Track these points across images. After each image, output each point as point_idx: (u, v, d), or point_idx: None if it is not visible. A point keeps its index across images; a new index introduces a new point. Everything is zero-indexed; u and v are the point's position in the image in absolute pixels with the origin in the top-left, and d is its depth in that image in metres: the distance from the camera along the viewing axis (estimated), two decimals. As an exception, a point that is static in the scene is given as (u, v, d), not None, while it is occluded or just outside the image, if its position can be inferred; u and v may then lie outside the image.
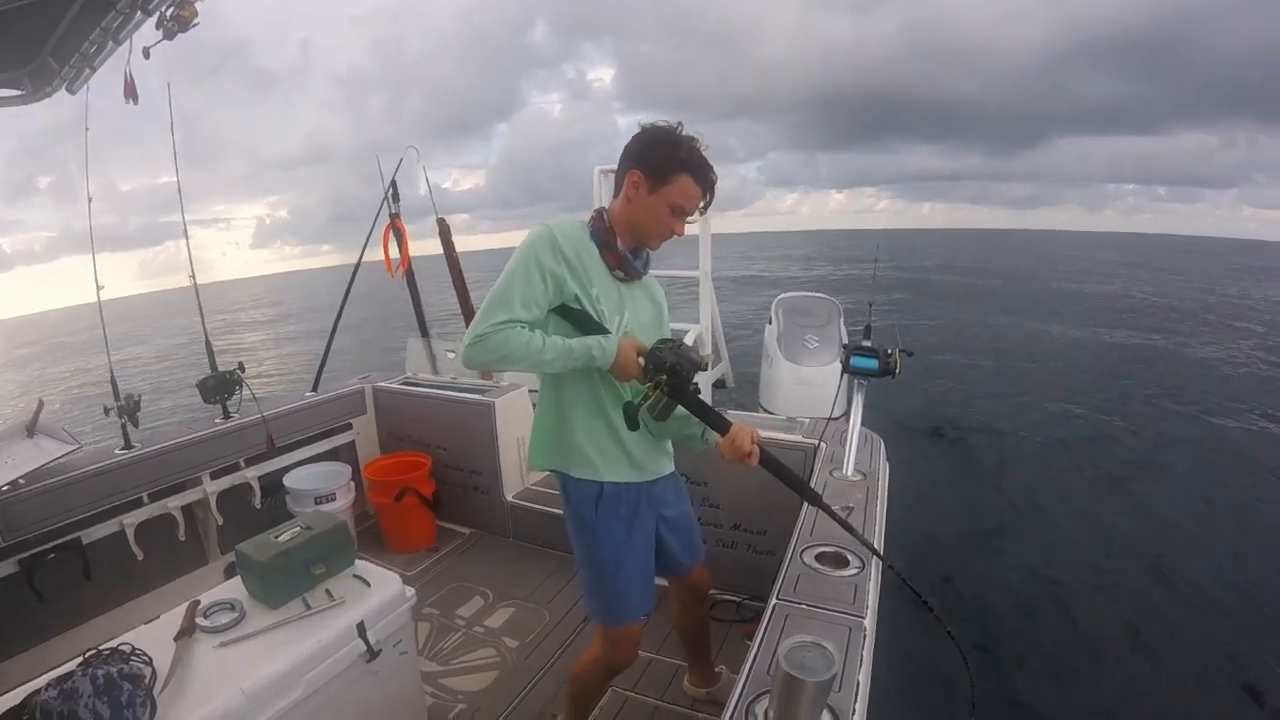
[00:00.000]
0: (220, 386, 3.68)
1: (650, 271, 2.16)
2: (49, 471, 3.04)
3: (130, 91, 3.06)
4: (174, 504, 3.52)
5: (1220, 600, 5.50)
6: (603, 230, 1.97)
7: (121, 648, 1.79)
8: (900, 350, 2.57)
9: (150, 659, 1.77)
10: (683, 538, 2.38)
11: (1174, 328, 19.94)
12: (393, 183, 4.59)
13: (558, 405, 2.08)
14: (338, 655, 2.02)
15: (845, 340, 3.94)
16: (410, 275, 4.84)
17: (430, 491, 4.13)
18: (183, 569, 3.61)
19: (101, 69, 3.03)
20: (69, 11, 2.65)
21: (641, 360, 1.91)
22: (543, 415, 2.13)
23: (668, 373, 1.85)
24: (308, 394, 4.25)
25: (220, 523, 3.68)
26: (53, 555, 3.10)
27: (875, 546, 2.01)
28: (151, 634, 1.92)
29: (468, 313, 4.78)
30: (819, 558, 2.04)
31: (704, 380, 5.10)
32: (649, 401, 1.88)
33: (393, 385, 4.45)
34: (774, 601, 1.81)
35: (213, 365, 3.74)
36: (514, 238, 1.94)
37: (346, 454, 4.34)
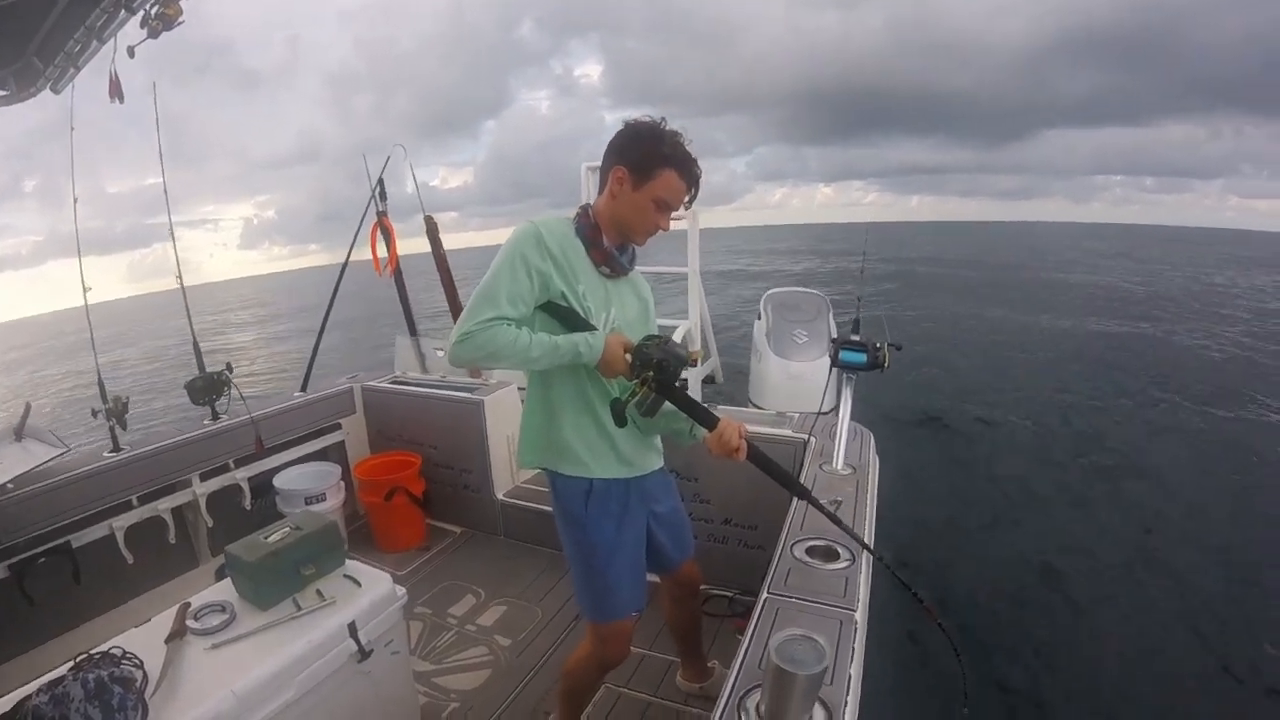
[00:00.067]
0: (208, 388, 3.67)
1: (638, 268, 2.16)
2: (38, 475, 3.02)
3: (115, 90, 3.04)
4: (164, 506, 3.50)
5: (1210, 587, 5.54)
6: (588, 227, 1.97)
7: (112, 651, 1.79)
8: (889, 344, 2.57)
9: (141, 662, 1.77)
10: (673, 533, 2.38)
11: (1161, 316, 20.12)
12: (380, 181, 4.57)
13: (545, 402, 2.07)
14: (329, 656, 2.01)
15: (834, 335, 3.96)
16: (398, 274, 4.83)
17: (420, 490, 4.12)
18: (173, 571, 3.59)
19: (86, 68, 3.01)
20: (54, 10, 2.63)
21: (628, 356, 1.91)
22: (530, 413, 2.12)
23: (655, 369, 1.86)
24: (296, 394, 4.24)
25: (210, 524, 3.66)
26: (43, 559, 3.07)
27: (865, 540, 2.02)
28: (142, 637, 1.92)
29: (456, 310, 4.77)
30: (809, 551, 2.04)
31: (694, 376, 5.11)
32: (636, 398, 1.88)
33: (382, 384, 4.44)
34: (764, 595, 1.82)
35: (201, 366, 3.73)
36: (502, 235, 1.94)
37: (336, 454, 4.32)
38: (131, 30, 2.77)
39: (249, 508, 3.83)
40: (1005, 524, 6.70)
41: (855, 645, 1.62)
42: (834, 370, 2.66)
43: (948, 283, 29.84)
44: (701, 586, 2.67)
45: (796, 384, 5.16)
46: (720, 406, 2.70)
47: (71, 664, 1.70)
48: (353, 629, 2.07)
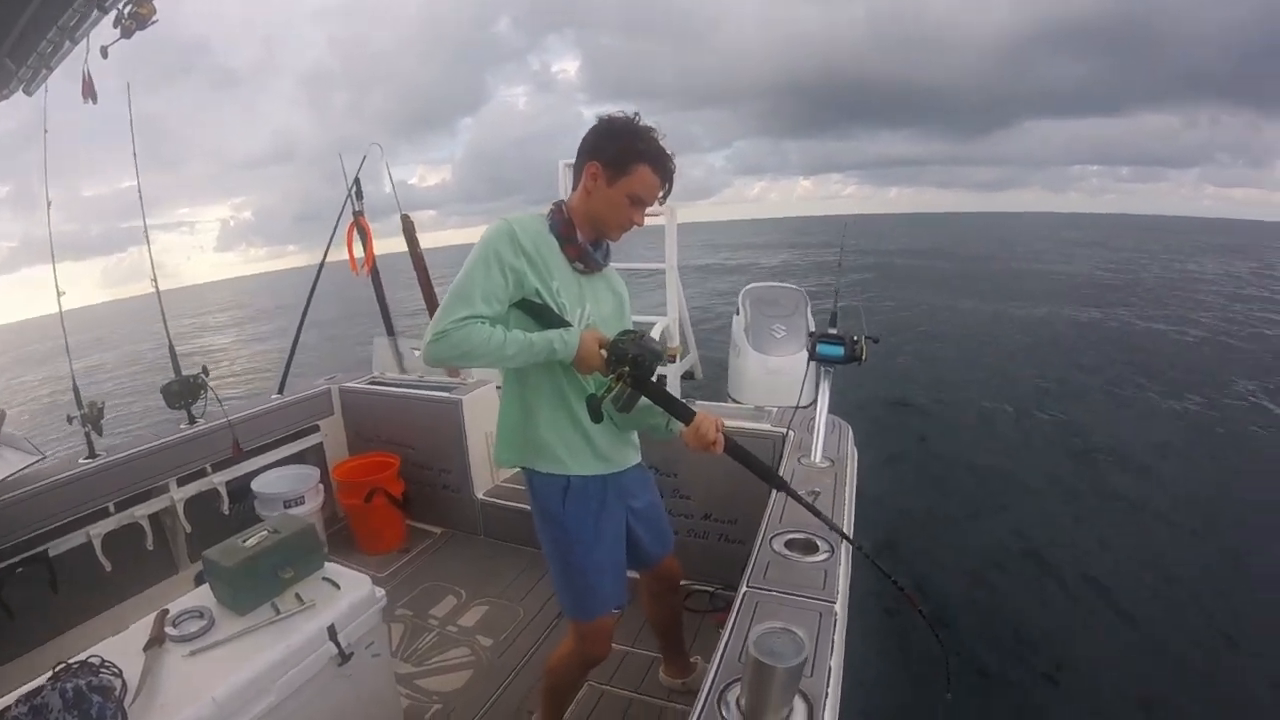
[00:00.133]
0: (184, 391, 3.64)
1: (614, 264, 2.16)
2: (13, 484, 2.99)
3: (88, 91, 3.00)
4: (141, 513, 3.46)
5: (1189, 568, 5.61)
6: (562, 223, 1.97)
7: (91, 660, 1.77)
8: (866, 337, 2.58)
9: (120, 670, 1.75)
10: (651, 528, 2.39)
11: (1136, 303, 20.33)
12: (356, 180, 4.54)
13: (521, 400, 2.07)
14: (309, 660, 2.00)
15: (812, 329, 3.97)
16: (375, 273, 4.80)
17: (400, 491, 4.10)
18: (152, 579, 3.55)
19: (59, 70, 2.97)
20: (26, 10, 2.60)
21: (604, 352, 1.91)
22: (507, 411, 2.12)
23: (630, 364, 1.86)
24: (274, 396, 4.21)
25: (189, 530, 3.63)
26: (20, 569, 3.04)
27: (844, 530, 2.02)
28: (121, 645, 1.90)
29: (433, 310, 4.73)
30: (788, 544, 2.04)
31: (673, 372, 5.10)
32: (613, 393, 1.88)
33: (359, 385, 4.42)
34: (744, 589, 1.82)
35: (176, 370, 3.69)
36: (481, 232, 1.94)
37: (314, 456, 4.30)
38: (105, 30, 2.75)
39: (227, 512, 3.80)
40: (985, 512, 6.75)
41: (835, 637, 1.62)
42: (812, 364, 2.67)
43: (925, 274, 30.01)
44: (682, 582, 2.67)
45: (775, 379, 5.15)
46: (698, 402, 2.70)
47: (50, 674, 1.68)
48: (332, 632, 2.06)
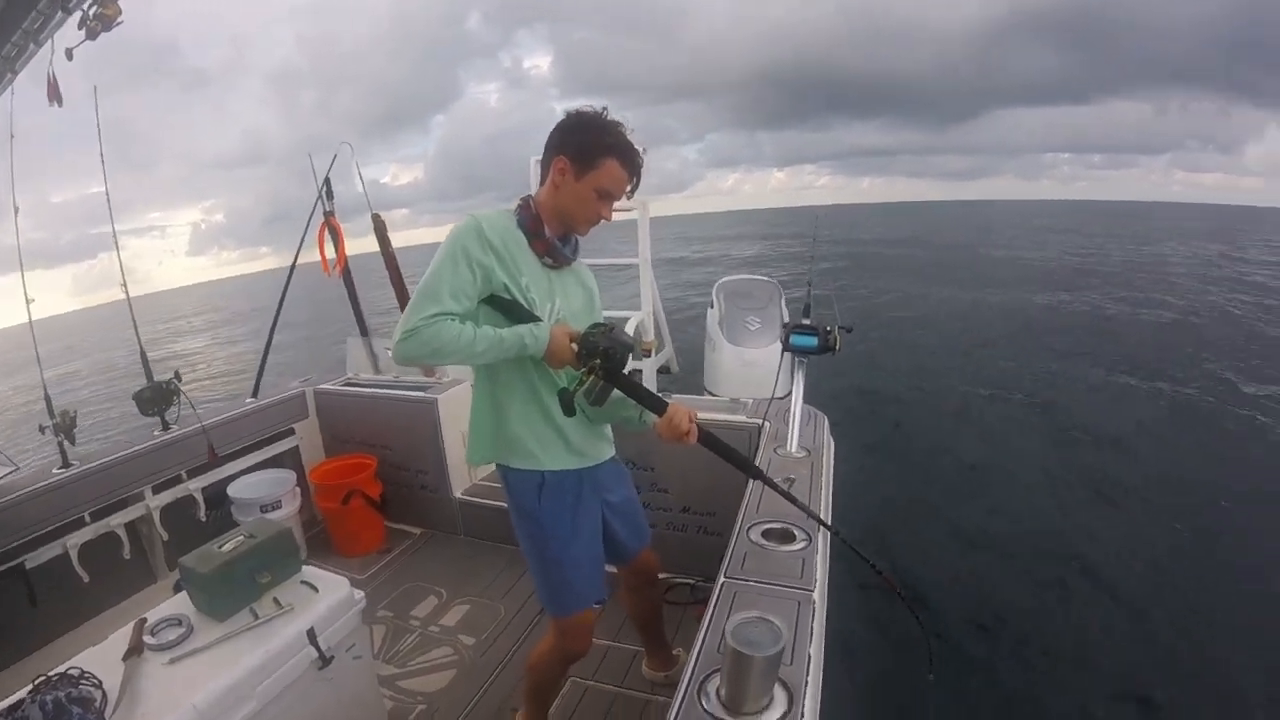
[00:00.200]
0: (157, 398, 3.60)
1: (591, 260, 2.16)
2: None
3: (54, 93, 2.96)
4: (117, 522, 3.42)
5: (1167, 547, 5.68)
6: (529, 218, 1.96)
7: (70, 672, 1.75)
8: (840, 326, 2.59)
9: (100, 681, 1.74)
10: (628, 522, 2.39)
11: (1108, 288, 20.53)
12: (326, 180, 4.51)
13: (493, 397, 2.07)
14: (289, 664, 1.99)
15: (786, 320, 3.98)
16: (347, 274, 4.77)
17: (377, 493, 4.08)
18: (131, 588, 3.52)
19: (25, 74, 2.93)
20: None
21: (574, 346, 1.90)
22: (478, 408, 2.12)
23: (601, 356, 1.86)
24: (248, 400, 4.17)
25: (165, 538, 3.59)
26: None
27: (820, 516, 2.04)
28: (100, 656, 1.89)
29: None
30: (765, 534, 2.05)
31: (649, 367, 5.11)
32: (584, 387, 1.88)
33: (334, 387, 4.39)
34: (721, 580, 1.82)
35: (148, 376, 3.65)
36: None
37: (291, 459, 4.27)
38: (69, 32, 2.72)
39: (204, 519, 3.76)
40: (963, 497, 6.82)
41: (814, 625, 1.63)
42: (786, 355, 2.68)
43: (899, 263, 30.20)
44: (662, 575, 2.68)
45: (751, 370, 5.19)
46: (674, 395, 2.71)
47: (30, 687, 1.67)
48: (312, 635, 2.05)
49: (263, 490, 3.81)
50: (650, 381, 5.03)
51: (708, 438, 1.97)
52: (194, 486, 3.74)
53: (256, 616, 2.04)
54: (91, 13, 2.65)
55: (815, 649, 1.56)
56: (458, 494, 4.12)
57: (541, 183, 2.01)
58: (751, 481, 2.20)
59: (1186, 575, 5.29)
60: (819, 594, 1.76)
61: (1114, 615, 4.81)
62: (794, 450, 2.72)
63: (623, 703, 2.84)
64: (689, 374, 5.91)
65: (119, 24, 2.72)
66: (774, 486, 1.97)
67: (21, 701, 1.60)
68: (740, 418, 3.29)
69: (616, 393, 1.93)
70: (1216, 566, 5.44)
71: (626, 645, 3.11)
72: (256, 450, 4.09)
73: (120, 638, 1.96)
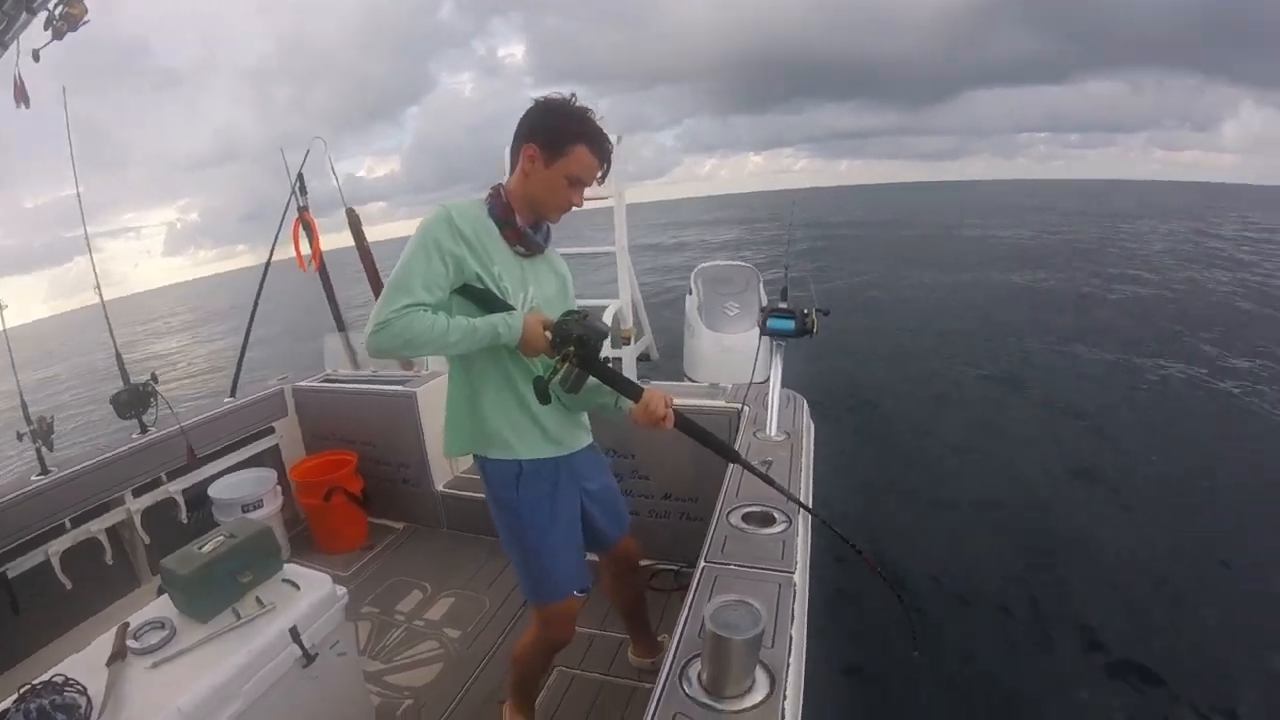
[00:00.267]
0: (133, 400, 3.56)
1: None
2: None
3: (20, 95, 2.92)
4: (97, 527, 3.40)
5: (1148, 521, 5.73)
6: (500, 207, 1.95)
7: (54, 679, 1.75)
8: (817, 309, 2.60)
9: (84, 688, 1.73)
10: (607, 509, 2.39)
11: (1083, 265, 20.66)
12: (299, 176, 4.48)
13: (468, 387, 2.06)
14: (273, 663, 1.99)
15: (765, 304, 4.00)
16: (323, 269, 4.75)
17: (359, 489, 4.07)
18: (115, 594, 3.49)
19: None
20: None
21: (548, 334, 1.90)
22: (453, 399, 2.11)
23: (575, 344, 1.85)
24: (226, 400, 4.13)
25: (148, 542, 3.56)
26: None
27: (799, 498, 2.04)
28: (84, 662, 1.88)
29: (384, 303, 4.68)
30: (745, 518, 2.05)
31: (628, 354, 5.11)
32: (559, 374, 1.87)
33: (313, 384, 4.36)
34: (702, 565, 1.82)
35: (125, 379, 3.61)
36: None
37: (271, 458, 4.24)
38: (35, 33, 2.69)
39: (185, 521, 3.74)
40: (943, 476, 6.85)
41: (795, 607, 1.63)
42: (764, 339, 2.68)
43: (875, 245, 30.30)
44: (647, 562, 2.70)
45: (730, 356, 5.20)
46: (653, 382, 2.71)
47: (15, 696, 1.67)
48: (295, 633, 2.05)
49: (243, 490, 3.79)
50: (630, 369, 5.04)
51: (685, 422, 1.99)
52: (174, 489, 3.71)
53: (239, 616, 2.04)
54: (58, 13, 2.63)
55: (797, 631, 1.57)
56: (439, 487, 4.12)
57: (511, 171, 2.00)
58: (731, 466, 2.20)
59: (1166, 548, 5.35)
60: (800, 576, 1.77)
61: (1095, 589, 4.86)
62: (773, 434, 2.72)
63: (609, 690, 2.85)
64: (669, 360, 5.91)
65: (85, 23, 2.69)
66: (752, 469, 1.98)
67: (6, 711, 1.59)
68: (719, 403, 3.29)
69: (592, 380, 1.93)
70: (1196, 538, 5.50)
71: (612, 633, 3.12)
72: (236, 450, 4.06)
73: (103, 643, 1.96)
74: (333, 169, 4.94)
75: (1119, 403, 8.85)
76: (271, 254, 4.53)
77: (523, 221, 1.97)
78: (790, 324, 2.58)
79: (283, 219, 4.50)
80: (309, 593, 2.17)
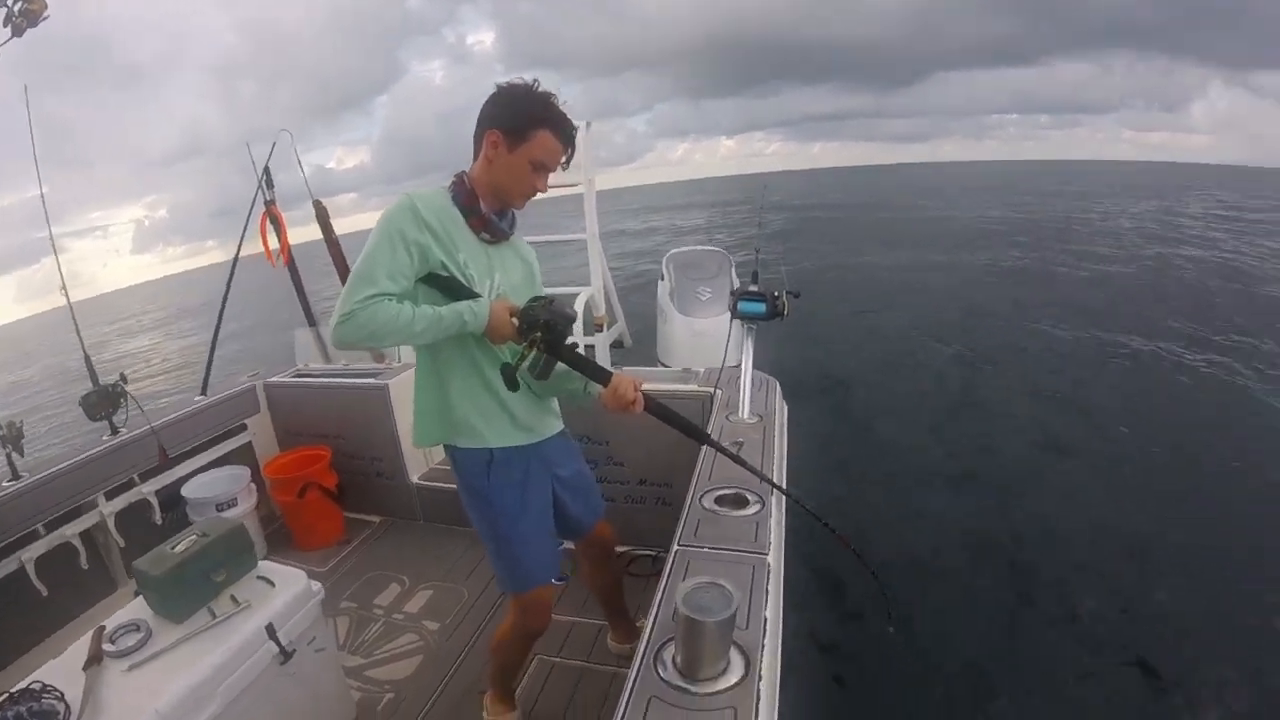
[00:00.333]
0: (103, 401, 3.51)
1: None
2: None
3: None
4: (71, 531, 3.34)
5: (1119, 498, 5.81)
6: (464, 194, 1.94)
7: (32, 686, 1.75)
8: (788, 292, 2.60)
9: (62, 694, 1.73)
10: (579, 496, 2.39)
11: (1055, 246, 20.84)
12: (266, 170, 4.44)
13: (436, 376, 2.05)
14: (250, 661, 1.99)
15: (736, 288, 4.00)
16: (292, 263, 4.71)
17: (333, 483, 4.04)
18: (92, 598, 3.44)
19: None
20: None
21: (515, 320, 1.89)
22: (422, 389, 2.09)
23: (542, 329, 1.85)
24: (197, 398, 4.08)
25: (122, 545, 3.51)
26: None
27: (771, 478, 2.05)
28: (61, 668, 1.88)
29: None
30: (718, 500, 2.06)
31: (601, 341, 5.10)
32: (527, 361, 1.87)
33: (284, 379, 4.32)
34: (675, 548, 1.83)
35: (94, 380, 3.56)
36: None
37: (244, 456, 4.19)
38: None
39: (160, 522, 3.69)
40: (917, 456, 6.92)
41: (769, 587, 1.64)
42: (735, 322, 2.69)
43: (848, 228, 30.46)
44: (624, 548, 2.70)
45: (702, 340, 5.21)
46: (625, 368, 2.71)
47: (-5, 705, 1.66)
48: (271, 630, 2.05)
49: (217, 489, 3.75)
50: (604, 356, 5.03)
51: (655, 406, 1.99)
52: (147, 490, 3.66)
53: (214, 616, 2.04)
54: (16, 9, 2.59)
55: (771, 611, 1.57)
56: (414, 479, 4.10)
57: (475, 158, 1.98)
58: (704, 449, 2.21)
59: (1138, 522, 5.42)
60: (774, 557, 1.77)
61: (1066, 563, 4.92)
62: (746, 416, 2.73)
63: (590, 677, 2.86)
64: (642, 346, 5.92)
65: (45, 19, 2.66)
66: (722, 450, 1.98)
67: (-17, 720, 1.58)
68: (692, 387, 3.29)
69: (561, 366, 1.93)
70: (1168, 511, 5.59)
71: (591, 620, 3.12)
72: (209, 448, 4.02)
73: (80, 648, 1.95)
74: (299, 161, 4.90)
75: (1090, 378, 8.99)
76: (239, 249, 4.49)
77: (487, 208, 1.96)
78: (761, 306, 2.58)
79: (250, 214, 4.46)
80: (284, 589, 2.17)
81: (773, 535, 1.86)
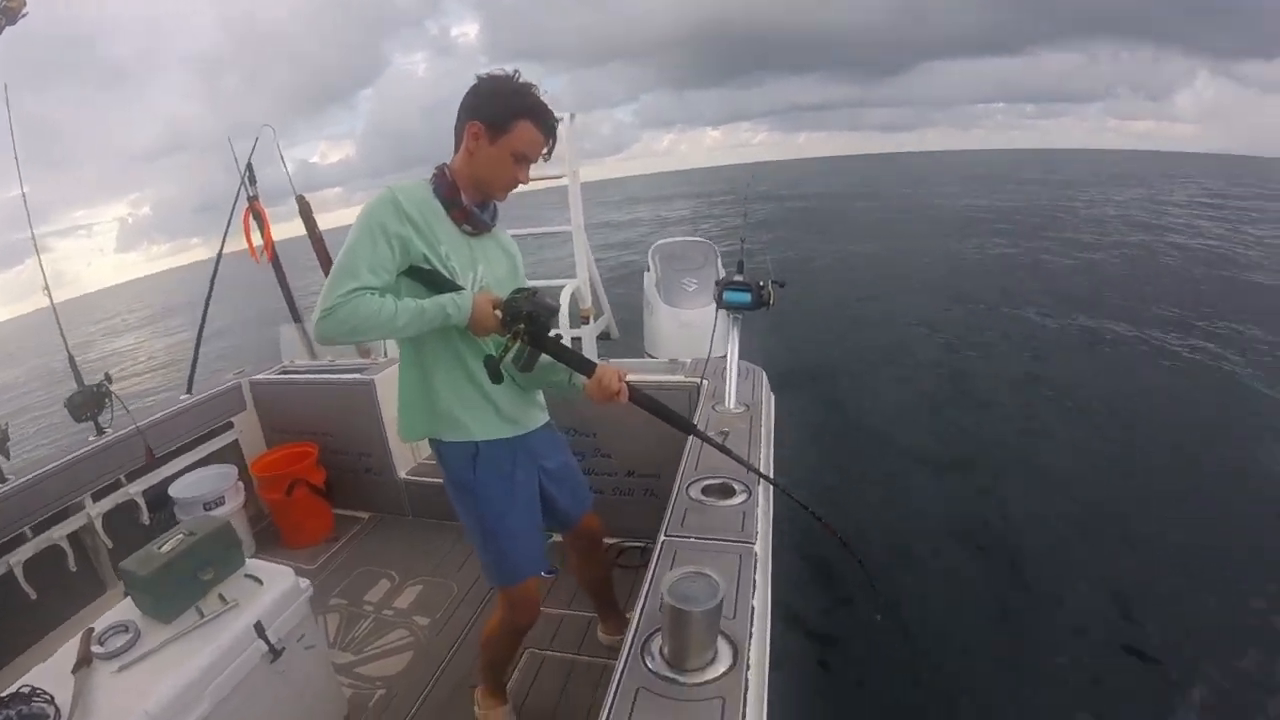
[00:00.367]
0: (88, 402, 3.48)
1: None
2: None
3: None
4: (59, 534, 3.32)
5: (1098, 483, 5.83)
6: (446, 186, 1.93)
7: (22, 690, 1.75)
8: (773, 281, 2.61)
9: (52, 697, 1.73)
10: (566, 488, 2.39)
11: (1041, 234, 20.91)
12: (248, 166, 4.41)
13: (419, 370, 2.04)
14: (240, 659, 1.99)
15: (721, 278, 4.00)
16: (276, 259, 4.69)
17: (321, 480, 4.03)
18: (82, 600, 3.42)
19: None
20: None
21: (498, 312, 1.89)
22: (406, 384, 2.09)
23: (525, 321, 1.84)
24: (183, 397, 4.06)
25: (110, 546, 3.49)
26: None
27: (757, 467, 2.06)
28: (51, 670, 1.87)
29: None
30: (705, 490, 2.07)
31: (588, 334, 5.10)
32: (511, 353, 1.86)
33: (270, 376, 4.30)
34: (662, 539, 1.83)
35: (78, 380, 3.53)
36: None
37: (231, 454, 4.17)
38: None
39: (148, 522, 3.67)
40: (905, 444, 6.95)
41: (757, 577, 1.65)
42: (721, 312, 2.69)
43: (835, 217, 30.51)
44: (613, 540, 2.70)
45: (689, 331, 5.20)
46: (612, 359, 2.71)
47: (-14, 709, 1.65)
48: (260, 628, 2.04)
49: (205, 488, 3.74)
50: (591, 348, 5.03)
51: (640, 397, 1.98)
52: (134, 490, 3.64)
53: (202, 615, 2.04)
54: (-4, 8, 2.57)
55: (759, 600, 1.58)
56: (402, 474, 4.09)
57: (456, 150, 1.97)
58: (690, 439, 2.21)
59: (1126, 507, 5.46)
60: (761, 546, 1.78)
61: (1053, 549, 4.96)
62: (732, 406, 2.74)
63: (581, 669, 2.87)
64: (629, 338, 5.91)
65: (24, 16, 2.64)
66: (708, 440, 1.99)
67: (-27, 725, 1.58)
68: (678, 377, 3.30)
69: (545, 358, 1.92)
70: (1153, 496, 5.64)
71: (581, 613, 3.13)
72: (195, 447, 3.99)
73: (69, 650, 1.95)
74: (281, 157, 4.87)
75: (1075, 365, 9.05)
76: (223, 246, 4.47)
77: (469, 200, 1.96)
78: (746, 296, 2.59)
79: (233, 210, 4.44)
80: (272, 587, 2.17)
81: (760, 524, 1.87)
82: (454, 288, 1.89)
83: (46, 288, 3.65)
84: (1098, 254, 16.87)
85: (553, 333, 1.93)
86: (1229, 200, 29.85)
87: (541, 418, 2.29)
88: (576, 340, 4.84)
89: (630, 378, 1.98)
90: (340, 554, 3.90)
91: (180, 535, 2.15)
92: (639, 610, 1.55)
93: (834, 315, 12.17)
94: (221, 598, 2.09)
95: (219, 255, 4.48)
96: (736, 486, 2.06)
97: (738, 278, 2.68)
